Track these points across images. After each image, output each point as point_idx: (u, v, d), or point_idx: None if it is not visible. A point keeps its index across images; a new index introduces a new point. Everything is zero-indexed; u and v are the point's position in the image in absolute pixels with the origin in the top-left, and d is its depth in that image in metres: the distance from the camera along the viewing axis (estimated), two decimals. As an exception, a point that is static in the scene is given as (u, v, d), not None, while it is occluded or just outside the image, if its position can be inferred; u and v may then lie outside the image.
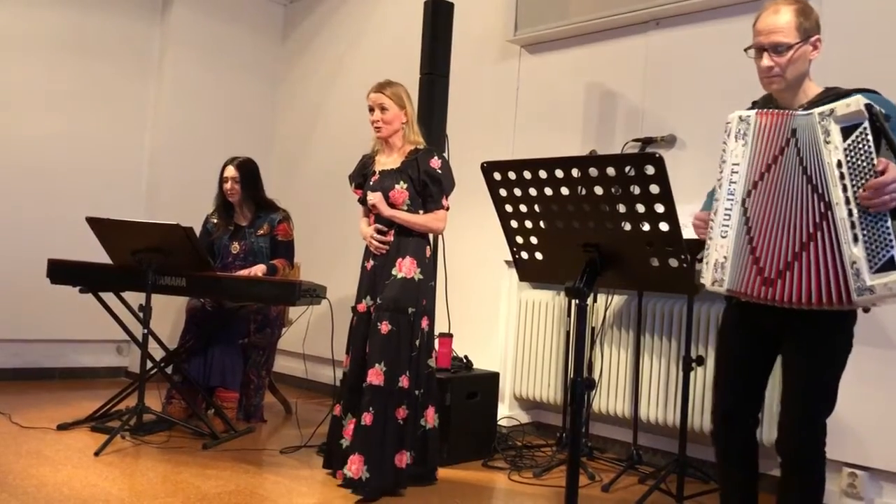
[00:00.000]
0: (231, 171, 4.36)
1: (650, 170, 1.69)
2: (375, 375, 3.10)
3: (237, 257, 4.35)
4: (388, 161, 3.37)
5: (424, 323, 3.27)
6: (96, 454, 3.40)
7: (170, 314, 5.10)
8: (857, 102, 1.91)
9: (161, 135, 5.73)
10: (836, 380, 2.13)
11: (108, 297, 4.07)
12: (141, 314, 3.72)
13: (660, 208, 1.73)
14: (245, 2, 6.11)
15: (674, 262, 1.80)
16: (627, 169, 1.73)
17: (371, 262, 3.32)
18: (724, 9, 3.71)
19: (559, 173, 1.83)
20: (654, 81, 3.98)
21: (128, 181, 5.66)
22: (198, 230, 4.28)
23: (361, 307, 3.29)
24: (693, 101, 3.80)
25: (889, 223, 1.92)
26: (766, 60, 2.12)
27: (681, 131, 3.84)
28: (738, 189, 2.05)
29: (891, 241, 1.90)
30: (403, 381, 3.13)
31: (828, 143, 1.94)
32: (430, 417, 3.30)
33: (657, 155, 1.69)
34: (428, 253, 3.32)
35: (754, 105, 2.26)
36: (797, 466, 2.16)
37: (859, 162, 1.91)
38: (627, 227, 1.80)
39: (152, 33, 5.80)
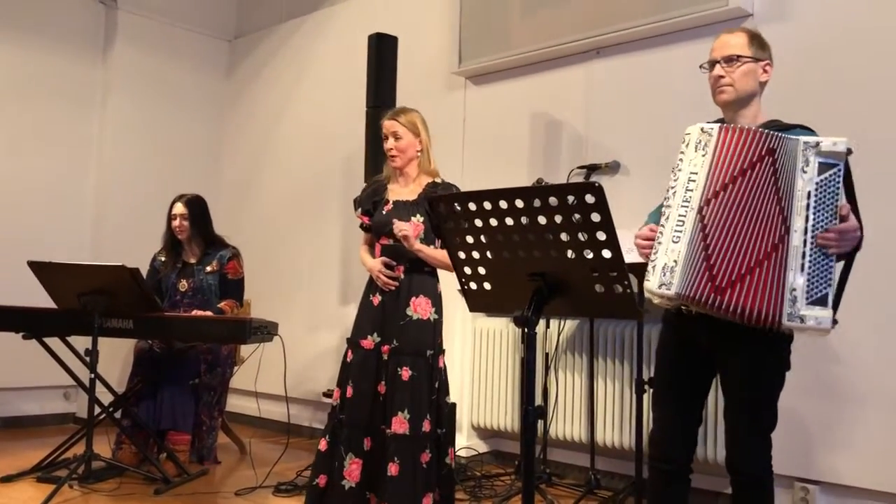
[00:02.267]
0: (179, 208, 4.31)
1: (590, 199, 1.72)
2: (399, 424, 3.00)
3: (185, 295, 4.28)
4: (403, 191, 3.23)
5: (441, 362, 3.18)
6: (42, 506, 3.29)
7: (118, 357, 4.97)
8: (843, 144, 2.01)
9: (106, 174, 5.64)
10: (777, 396, 2.20)
11: (53, 341, 3.96)
12: (88, 358, 3.63)
13: (601, 236, 1.76)
14: (188, 39, 6.08)
15: (618, 289, 1.82)
16: (569, 199, 1.75)
17: (379, 297, 3.16)
18: (663, 37, 3.81)
19: (503, 204, 1.85)
20: (597, 109, 4.06)
21: (72, 222, 5.54)
22: (145, 269, 4.21)
23: (367, 343, 3.12)
24: (634, 128, 3.88)
25: (833, 263, 2.02)
26: (718, 70, 2.25)
27: (624, 157, 3.91)
28: (694, 197, 2.06)
29: (830, 279, 2.01)
30: (426, 426, 3.04)
31: (804, 172, 2.02)
32: (451, 455, 3.20)
33: (596, 184, 1.71)
34: (439, 290, 3.21)
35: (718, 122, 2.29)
36: (749, 483, 2.20)
37: (825, 199, 2.01)
38: (571, 255, 1.82)
39: (95, 72, 5.72)
